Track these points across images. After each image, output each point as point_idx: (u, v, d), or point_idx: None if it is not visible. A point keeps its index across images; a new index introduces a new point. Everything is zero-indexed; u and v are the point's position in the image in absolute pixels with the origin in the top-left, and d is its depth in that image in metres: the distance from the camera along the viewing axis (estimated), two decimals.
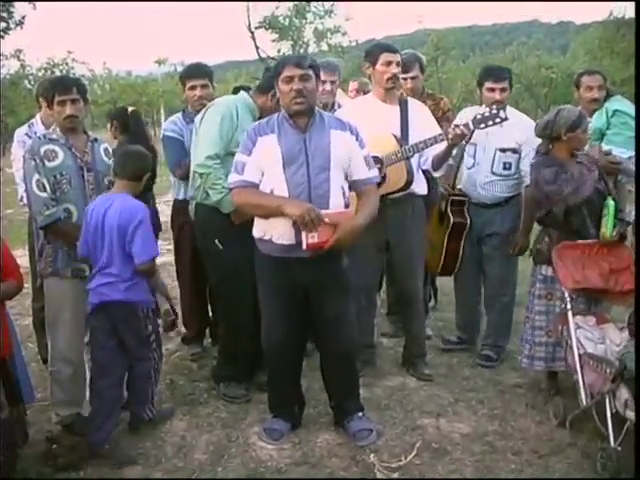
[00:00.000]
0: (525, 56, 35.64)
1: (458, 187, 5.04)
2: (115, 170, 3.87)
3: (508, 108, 4.61)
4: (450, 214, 4.87)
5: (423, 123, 4.53)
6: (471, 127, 4.31)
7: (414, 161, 4.44)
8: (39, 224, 3.83)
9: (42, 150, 3.82)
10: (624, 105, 5.02)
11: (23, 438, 3.76)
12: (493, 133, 4.56)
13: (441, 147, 4.40)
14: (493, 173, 4.78)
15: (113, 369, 3.83)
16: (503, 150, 4.73)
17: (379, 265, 4.69)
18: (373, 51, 4.52)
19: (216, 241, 4.24)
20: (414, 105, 4.60)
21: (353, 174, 3.75)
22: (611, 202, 4.00)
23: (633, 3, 28.65)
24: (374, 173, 3.85)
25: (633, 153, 4.76)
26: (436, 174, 4.71)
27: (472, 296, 5.19)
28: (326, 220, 3.50)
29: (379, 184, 4.17)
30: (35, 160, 3.80)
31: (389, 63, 4.43)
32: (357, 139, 3.76)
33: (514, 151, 4.73)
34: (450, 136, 4.27)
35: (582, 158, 4.09)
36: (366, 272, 4.55)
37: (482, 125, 4.33)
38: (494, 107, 4.36)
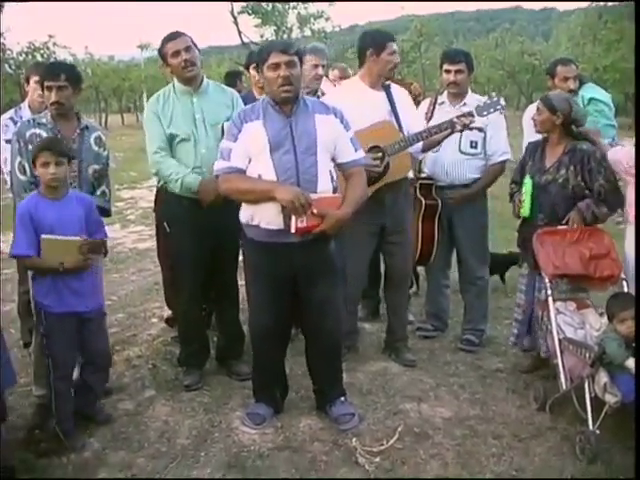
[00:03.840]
0: (508, 42, 35.59)
1: (424, 173, 5.05)
2: None
3: (472, 94, 4.93)
4: (421, 197, 4.88)
5: (409, 108, 4.62)
6: (475, 115, 4.45)
7: None
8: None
9: (27, 134, 3.87)
10: (598, 93, 5.04)
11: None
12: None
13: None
14: (461, 152, 4.83)
15: None
16: (470, 128, 4.77)
17: (371, 251, 4.68)
18: (378, 39, 4.50)
19: (165, 223, 4.41)
20: (397, 90, 4.63)
21: (340, 156, 3.76)
22: (528, 180, 4.11)
23: None
24: (361, 154, 3.85)
25: (608, 140, 4.78)
26: (421, 156, 4.80)
27: (440, 280, 5.24)
28: (314, 205, 3.50)
29: (381, 175, 4.27)
30: (20, 143, 3.84)
31: (393, 52, 4.48)
32: (342, 122, 3.77)
33: (480, 129, 4.77)
34: (458, 127, 4.42)
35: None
36: (358, 259, 4.56)
37: (484, 113, 4.51)
38: (494, 95, 4.59)
